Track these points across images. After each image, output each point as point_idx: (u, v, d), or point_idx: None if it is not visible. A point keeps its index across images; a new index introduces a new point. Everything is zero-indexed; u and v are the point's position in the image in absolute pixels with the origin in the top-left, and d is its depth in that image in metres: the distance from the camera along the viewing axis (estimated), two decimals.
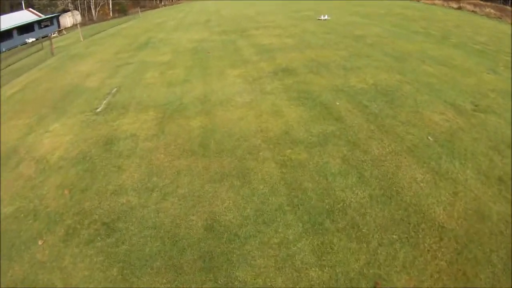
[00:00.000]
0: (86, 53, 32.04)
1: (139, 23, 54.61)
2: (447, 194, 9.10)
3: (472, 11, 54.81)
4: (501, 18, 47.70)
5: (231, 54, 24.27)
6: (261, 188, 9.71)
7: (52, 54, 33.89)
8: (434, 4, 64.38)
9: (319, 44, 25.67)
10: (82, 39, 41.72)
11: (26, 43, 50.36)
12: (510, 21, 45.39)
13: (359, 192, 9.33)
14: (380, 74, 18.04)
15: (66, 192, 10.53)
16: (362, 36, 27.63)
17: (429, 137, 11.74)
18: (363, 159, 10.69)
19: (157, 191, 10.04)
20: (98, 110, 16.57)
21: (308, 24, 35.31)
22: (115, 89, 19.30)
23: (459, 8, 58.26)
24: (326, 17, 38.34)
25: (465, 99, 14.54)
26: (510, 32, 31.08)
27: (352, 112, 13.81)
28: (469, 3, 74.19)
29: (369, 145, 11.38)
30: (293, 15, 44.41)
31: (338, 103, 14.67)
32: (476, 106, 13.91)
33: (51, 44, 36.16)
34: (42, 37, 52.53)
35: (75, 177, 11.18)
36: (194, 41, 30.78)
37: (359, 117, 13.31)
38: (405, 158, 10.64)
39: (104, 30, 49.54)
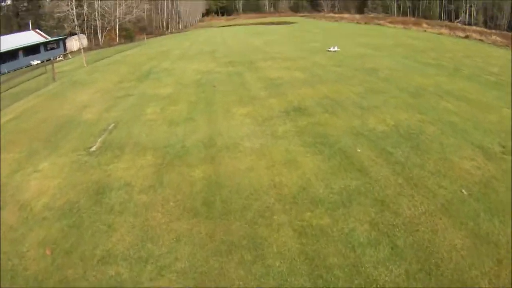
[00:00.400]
0: (87, 81, 30.93)
1: (144, 50, 53.74)
2: (490, 262, 7.69)
3: (479, 39, 54.37)
4: (508, 46, 47.06)
5: (238, 89, 22.86)
6: (277, 265, 8.04)
7: (54, 79, 32.91)
8: (441, 33, 64.32)
9: (331, 78, 24.32)
10: (85, 65, 40.79)
11: (31, 65, 49.40)
12: None
13: (393, 268, 7.71)
14: (399, 113, 16.72)
15: (48, 252, 8.98)
16: (374, 70, 26.61)
17: (463, 190, 10.34)
18: (394, 223, 9.10)
19: (152, 262, 8.38)
20: (92, 149, 15.08)
21: (317, 57, 34.11)
22: (112, 125, 17.87)
23: (466, 37, 58.21)
24: (335, 48, 37.17)
25: (491, 140, 13.45)
26: None
27: (376, 161, 12.22)
28: (475, 31, 74.25)
29: (399, 204, 9.81)
30: (301, 46, 43.36)
31: (359, 150, 13.13)
32: (503, 147, 12.81)
33: (53, 69, 35.02)
34: (48, 60, 51.06)
35: (59, 234, 9.64)
36: (199, 72, 29.49)
37: (385, 168, 11.74)
38: (441, 219, 9.13)
39: (108, 56, 48.72)
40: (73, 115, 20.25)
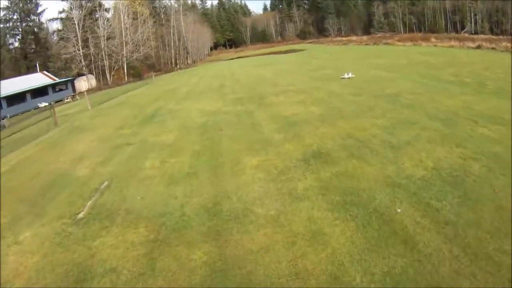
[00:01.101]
0: (88, 126, 29.08)
1: (150, 89, 51.99)
2: None
3: (491, 48, 53.52)
4: None
5: (248, 132, 20.26)
6: None
7: (56, 124, 31.77)
8: (452, 46, 63.29)
9: (351, 110, 21.80)
10: (89, 108, 39.57)
11: (38, 107, 49.32)
12: None
13: None
14: (436, 149, 14.24)
15: None
16: (395, 95, 24.42)
17: None
18: None
19: None
20: (79, 215, 12.78)
21: (332, 85, 31.64)
22: (105, 183, 15.47)
23: (478, 47, 58.01)
24: (350, 75, 34.83)
25: None
26: None
27: (421, 224, 9.52)
28: (484, 39, 72.39)
29: None
30: (313, 74, 40.96)
31: (399, 210, 10.36)
32: None
33: (54, 113, 33.85)
34: (56, 102, 51.93)
35: None
36: (205, 113, 27.06)
37: (434, 235, 9.02)
38: None
39: (114, 97, 47.51)
40: (66, 169, 18.27)
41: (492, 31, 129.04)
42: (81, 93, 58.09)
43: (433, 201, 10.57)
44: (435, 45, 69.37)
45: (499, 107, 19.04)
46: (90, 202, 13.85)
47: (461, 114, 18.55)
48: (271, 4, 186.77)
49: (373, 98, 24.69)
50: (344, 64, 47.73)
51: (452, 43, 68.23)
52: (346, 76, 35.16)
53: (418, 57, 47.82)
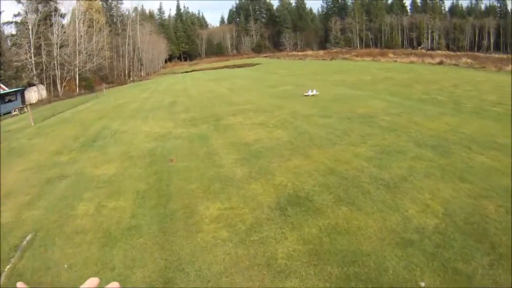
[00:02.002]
0: (24, 149, 24.56)
1: (98, 104, 47.54)
2: None
3: (455, 64, 54.66)
4: (485, 68, 48.29)
5: (204, 164, 16.89)
6: None
7: None
8: (412, 62, 63.19)
9: (324, 136, 19.08)
10: (32, 124, 35.08)
11: None
12: (495, 70, 46.41)
13: None
14: (439, 187, 11.90)
15: None
16: (370, 116, 22.48)
17: None
18: None
19: None
20: None
21: (295, 104, 28.89)
22: (28, 237, 11.68)
23: (441, 62, 57.47)
24: (314, 92, 32.17)
25: None
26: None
27: None
28: (442, 55, 72.80)
29: None
30: (271, 91, 38.15)
31: (423, 284, 7.60)
32: None
33: None
34: (4, 114, 48.23)
35: None
36: (153, 136, 23.49)
37: None
38: None
39: (60, 112, 42.65)
40: None
41: (448, 48, 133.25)
42: (32, 104, 54.25)
43: (459, 264, 8.04)
44: (395, 61, 69.51)
45: (487, 130, 17.84)
46: (8, 266, 10.14)
47: (450, 139, 16.78)
48: (229, 17, 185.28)
49: (346, 120, 22.17)
50: (305, 80, 45.27)
51: (412, 58, 68.60)
52: (310, 93, 32.59)
53: (381, 73, 46.56)
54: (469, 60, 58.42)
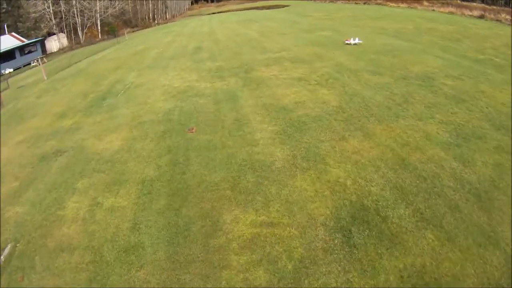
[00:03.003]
0: (28, 112, 21.19)
1: (118, 51, 43.26)
2: None
3: (496, 20, 48.11)
4: None
5: (232, 141, 12.90)
6: None
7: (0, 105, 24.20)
8: (452, 13, 57.29)
9: (383, 103, 14.82)
10: (45, 78, 31.67)
11: (2, 74, 41.92)
12: None
13: None
14: None
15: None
16: (428, 78, 18.01)
17: None
18: None
19: None
20: None
21: (338, 54, 24.22)
22: (6, 251, 8.77)
23: (482, 16, 51.59)
24: (356, 41, 27.21)
25: None
26: None
27: None
28: (480, 8, 66.11)
29: None
30: (308, 36, 33.09)
31: None
32: None
33: None
34: (24, 65, 46.69)
35: None
36: (172, 93, 19.52)
37: None
38: None
39: (76, 62, 39.04)
40: None
41: (482, 0, 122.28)
42: (53, 53, 52.04)
43: None
44: (433, 10, 62.92)
45: None
46: None
47: None
48: None
49: (402, 80, 17.73)
50: (342, 26, 39.81)
51: (451, 9, 62.10)
52: (352, 41, 27.67)
53: (423, 23, 40.63)
54: (508, 17, 52.85)
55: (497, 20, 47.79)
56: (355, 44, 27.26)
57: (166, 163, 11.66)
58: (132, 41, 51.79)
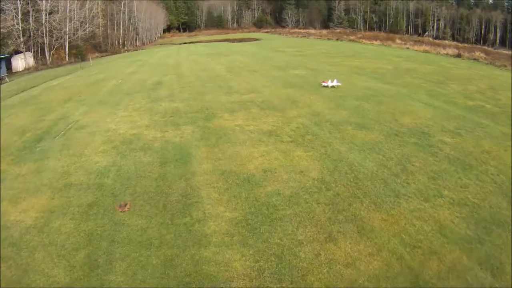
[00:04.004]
0: None
1: (76, 78, 38.55)
2: None
3: (474, 58, 47.94)
4: (505, 66, 41.09)
5: (172, 234, 9.16)
6: None
7: None
8: (427, 51, 56.87)
9: (377, 174, 11.45)
10: None
11: None
12: None
13: None
14: None
15: None
16: (423, 133, 15.38)
17: None
18: None
19: None
20: None
21: (314, 98, 21.25)
22: None
23: (459, 55, 51.06)
24: (335, 82, 24.09)
25: None
26: None
27: None
28: (451, 46, 65.79)
29: None
30: (280, 75, 29.84)
31: None
32: None
33: None
34: None
35: None
36: (114, 142, 15.75)
37: None
38: None
39: (32, 87, 34.61)
40: None
41: (453, 38, 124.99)
42: (18, 72, 50.11)
43: None
44: (407, 48, 62.05)
45: None
46: None
47: None
48: None
49: (394, 137, 14.78)
50: (317, 64, 36.88)
51: (425, 47, 61.38)
52: (329, 83, 24.47)
53: (401, 62, 38.82)
54: (482, 54, 52.24)
55: (474, 59, 47.52)
56: (333, 86, 24.13)
57: (81, 263, 7.84)
58: (95, 68, 47.61)
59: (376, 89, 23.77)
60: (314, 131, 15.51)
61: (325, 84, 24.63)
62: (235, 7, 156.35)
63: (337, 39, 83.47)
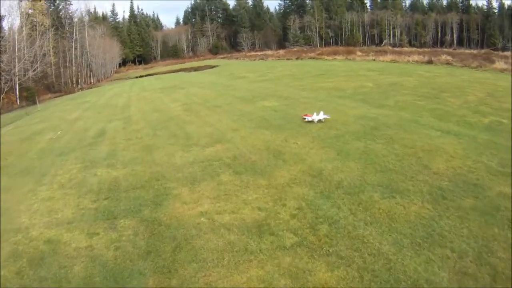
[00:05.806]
0: None
1: (12, 131, 31.41)
2: None
3: (447, 63, 46.49)
4: (481, 67, 40.47)
5: None
6: None
7: None
8: (395, 61, 56.40)
9: None
10: None
11: None
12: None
13: None
14: None
15: None
16: (473, 185, 10.10)
17: None
18: None
19: None
20: None
21: (303, 145, 15.78)
22: None
23: (430, 61, 49.18)
24: (321, 116, 18.25)
25: None
26: None
27: None
28: (413, 52, 63.44)
29: None
30: (249, 109, 24.07)
31: None
32: None
33: None
34: None
35: None
36: (20, 261, 9.51)
37: None
38: None
39: None
40: None
41: (410, 43, 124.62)
42: None
43: None
44: (373, 59, 58.46)
45: None
46: None
47: None
48: (184, 17, 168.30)
49: (444, 202, 9.14)
50: (286, 90, 31.28)
51: (391, 56, 58.13)
52: (315, 117, 18.79)
53: (378, 77, 34.36)
54: (449, 57, 50.02)
55: (447, 63, 46.03)
56: (320, 121, 18.44)
57: None
58: (39, 115, 40.72)
59: (372, 118, 18.42)
60: (328, 213, 9.56)
61: (309, 119, 19.00)
62: (189, 35, 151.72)
63: (297, 58, 79.19)
